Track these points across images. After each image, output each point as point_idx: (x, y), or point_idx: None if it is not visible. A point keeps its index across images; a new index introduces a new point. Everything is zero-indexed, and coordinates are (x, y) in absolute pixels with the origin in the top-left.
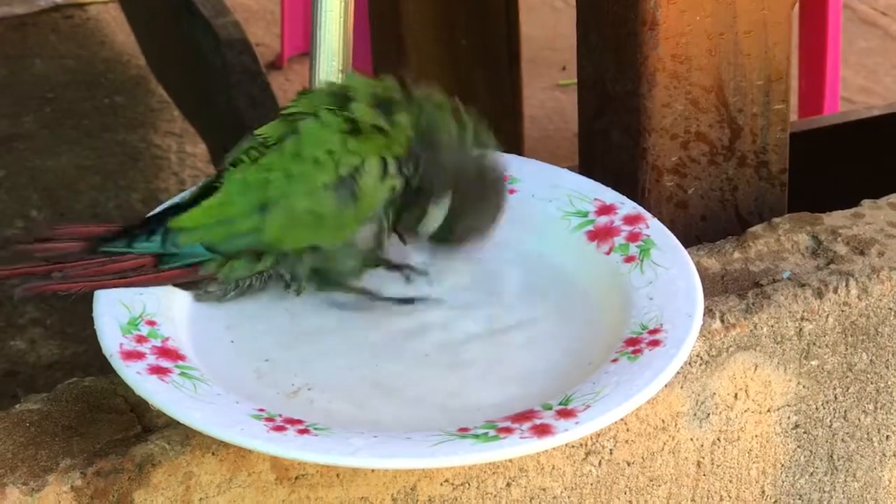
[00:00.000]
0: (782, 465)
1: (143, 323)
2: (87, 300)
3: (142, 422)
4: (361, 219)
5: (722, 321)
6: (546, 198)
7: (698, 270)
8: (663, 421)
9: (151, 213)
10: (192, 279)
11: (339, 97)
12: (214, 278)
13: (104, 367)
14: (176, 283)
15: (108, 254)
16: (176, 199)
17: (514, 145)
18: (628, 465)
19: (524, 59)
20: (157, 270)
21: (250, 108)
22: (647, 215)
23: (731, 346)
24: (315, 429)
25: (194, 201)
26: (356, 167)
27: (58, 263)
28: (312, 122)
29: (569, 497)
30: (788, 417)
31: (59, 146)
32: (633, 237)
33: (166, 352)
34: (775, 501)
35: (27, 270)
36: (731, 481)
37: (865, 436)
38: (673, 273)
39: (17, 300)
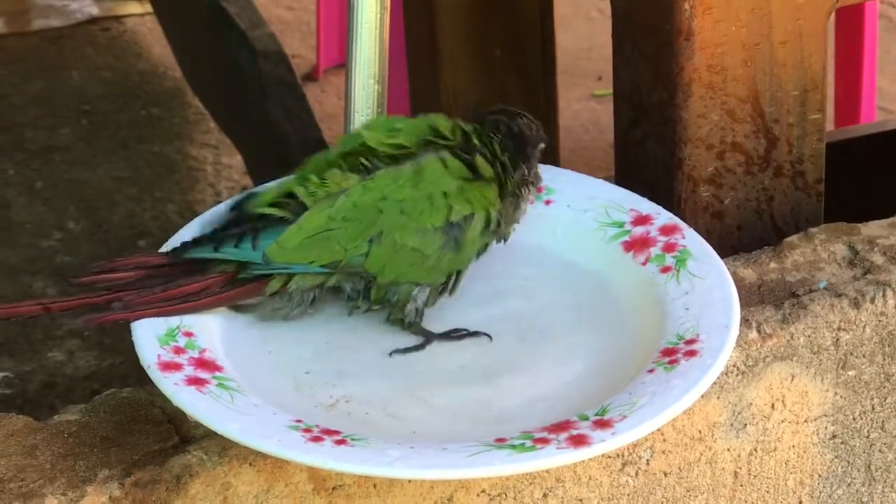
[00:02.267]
0: (819, 476)
1: (180, 334)
2: None
3: (179, 433)
4: (457, 267)
5: (758, 331)
6: (582, 208)
7: (734, 281)
8: (700, 431)
9: (223, 223)
10: (257, 296)
11: (439, 132)
12: (278, 294)
13: (142, 378)
14: (237, 307)
15: (187, 264)
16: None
17: (550, 156)
18: (665, 475)
19: (559, 70)
20: (221, 290)
21: (286, 119)
22: (684, 226)
23: (767, 357)
24: (352, 440)
25: (277, 206)
26: (466, 217)
27: (118, 292)
28: (435, 159)
29: None
30: (826, 428)
31: (95, 158)
32: (669, 248)
33: (203, 363)
34: None
35: (86, 302)
36: (768, 492)
37: None
38: (709, 283)
39: (77, 327)
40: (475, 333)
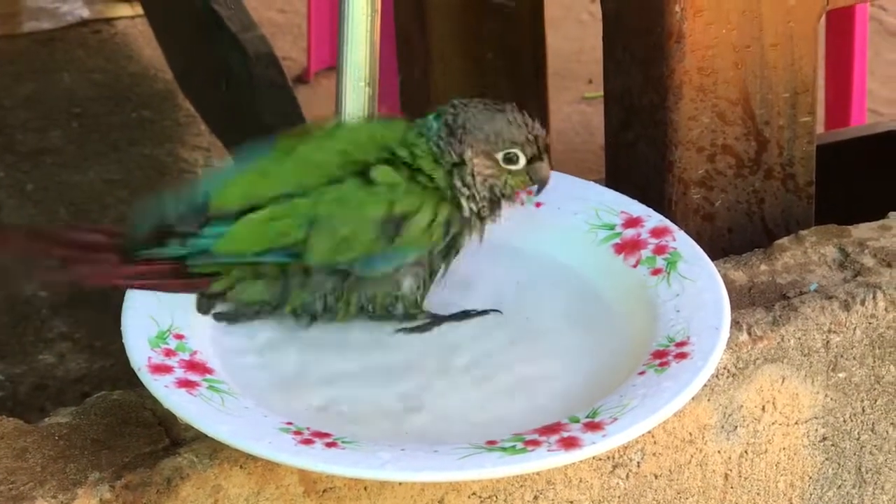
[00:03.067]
0: (810, 478)
1: (171, 336)
2: (115, 313)
3: (170, 435)
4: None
5: (749, 334)
6: (572, 210)
7: (725, 283)
8: (690, 434)
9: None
10: (201, 292)
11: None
12: (222, 295)
13: (132, 381)
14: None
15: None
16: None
17: None
18: (656, 477)
19: (550, 72)
20: (170, 276)
21: (277, 122)
22: (674, 228)
23: (758, 359)
24: (343, 442)
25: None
26: (408, 213)
27: (76, 254)
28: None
29: None
30: (816, 430)
31: (86, 160)
32: (659, 250)
33: (194, 365)
34: None
35: (41, 252)
36: (758, 494)
37: (894, 448)
38: (700, 285)
39: (27, 287)
40: (484, 312)
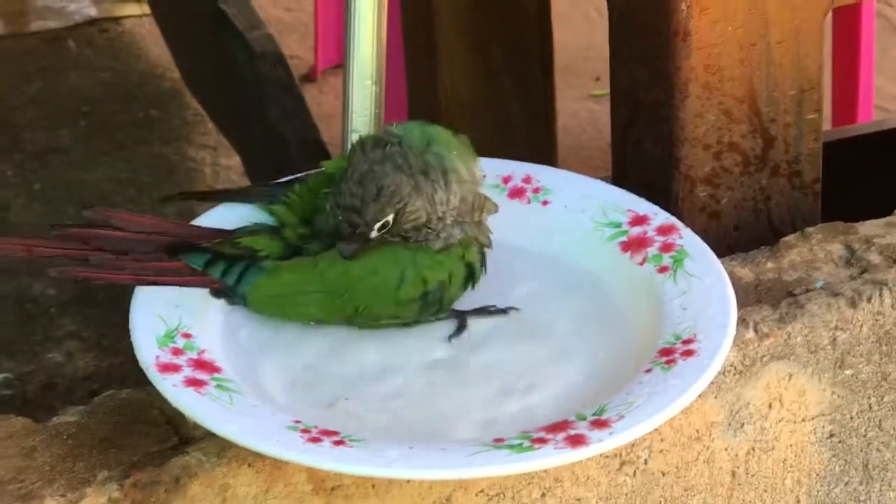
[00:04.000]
0: (817, 475)
1: (179, 335)
2: (123, 311)
3: (178, 434)
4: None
5: (755, 331)
6: (579, 209)
7: (732, 280)
8: (697, 431)
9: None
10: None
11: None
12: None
13: (141, 380)
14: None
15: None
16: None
17: (547, 156)
18: (663, 475)
19: (557, 70)
20: (196, 283)
21: (284, 120)
22: (681, 225)
23: (764, 356)
24: (351, 440)
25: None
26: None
27: (99, 250)
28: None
29: None
30: (823, 427)
31: (94, 159)
32: (666, 248)
33: (202, 364)
34: None
35: (66, 253)
36: (765, 491)
37: None
38: (706, 283)
39: (53, 277)
40: (504, 311)
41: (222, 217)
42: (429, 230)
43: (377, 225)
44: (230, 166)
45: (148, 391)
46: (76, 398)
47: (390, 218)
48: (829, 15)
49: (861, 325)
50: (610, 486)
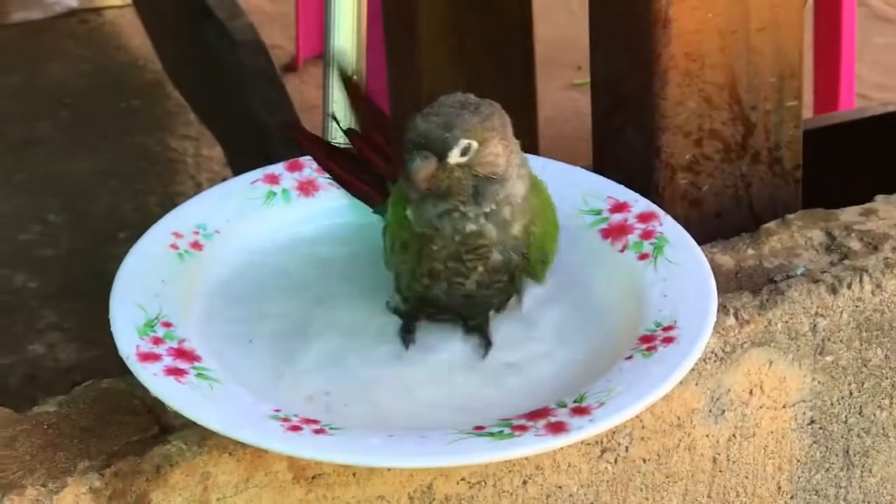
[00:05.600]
0: (798, 461)
1: (159, 325)
2: (105, 303)
3: (159, 423)
4: None
5: (736, 317)
6: (559, 196)
7: (712, 267)
8: (678, 418)
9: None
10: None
11: None
12: None
13: (124, 371)
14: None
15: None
16: None
17: (530, 145)
18: (644, 462)
19: (540, 60)
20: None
21: (265, 110)
22: (661, 213)
23: (745, 343)
24: (331, 429)
25: None
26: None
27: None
28: None
29: (585, 494)
30: (804, 413)
31: (76, 150)
32: (646, 235)
33: (182, 353)
34: (791, 497)
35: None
36: (746, 477)
37: (881, 431)
38: (686, 270)
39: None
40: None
41: None
42: (499, 185)
43: (460, 147)
44: (212, 157)
45: (128, 380)
46: (58, 390)
47: (475, 144)
48: (811, 3)
49: (841, 312)
50: (591, 474)
